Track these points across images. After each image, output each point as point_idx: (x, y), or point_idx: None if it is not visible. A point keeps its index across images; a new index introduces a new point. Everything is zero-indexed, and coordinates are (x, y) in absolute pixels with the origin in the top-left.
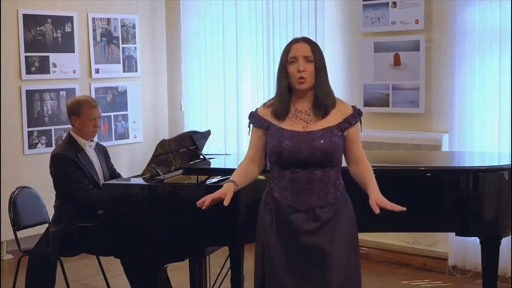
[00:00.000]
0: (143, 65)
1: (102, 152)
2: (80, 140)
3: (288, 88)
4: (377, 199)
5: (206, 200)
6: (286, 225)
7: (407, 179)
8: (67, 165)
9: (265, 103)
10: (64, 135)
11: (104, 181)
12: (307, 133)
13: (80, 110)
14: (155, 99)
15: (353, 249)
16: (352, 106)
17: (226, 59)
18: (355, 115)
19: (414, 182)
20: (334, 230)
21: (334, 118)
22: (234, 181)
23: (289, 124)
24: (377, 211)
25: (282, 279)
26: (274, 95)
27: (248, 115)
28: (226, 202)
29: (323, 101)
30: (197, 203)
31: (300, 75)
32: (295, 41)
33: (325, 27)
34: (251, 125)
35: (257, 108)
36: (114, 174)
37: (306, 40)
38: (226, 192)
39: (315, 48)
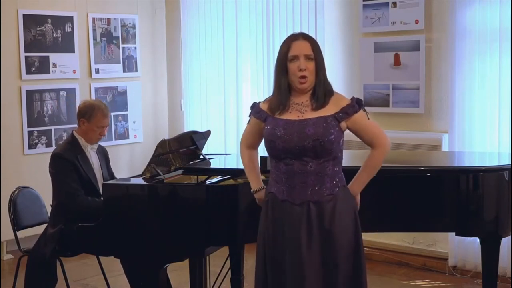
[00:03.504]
0: (143, 65)
1: (103, 154)
2: (83, 142)
3: (288, 86)
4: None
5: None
6: (283, 221)
7: (407, 179)
8: (64, 166)
9: (266, 99)
10: (64, 135)
11: None
12: (300, 121)
13: (91, 115)
14: (155, 99)
15: (354, 250)
16: (351, 98)
17: (226, 59)
18: (353, 105)
19: (414, 182)
20: (329, 229)
21: (329, 109)
22: (262, 187)
23: (285, 114)
24: None
25: (284, 278)
26: (272, 90)
27: (250, 105)
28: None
29: (321, 95)
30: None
31: (301, 73)
32: (294, 38)
33: (325, 27)
34: (251, 115)
35: (260, 101)
36: (112, 178)
37: (305, 37)
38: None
39: (314, 46)
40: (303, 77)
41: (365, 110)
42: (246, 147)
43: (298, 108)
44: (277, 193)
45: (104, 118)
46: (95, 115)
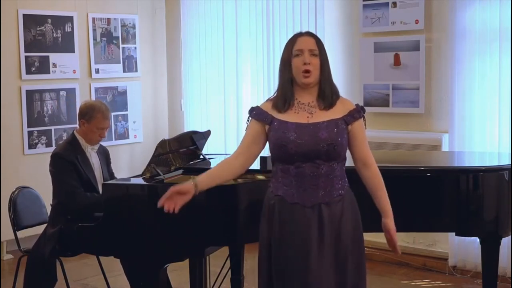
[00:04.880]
0: (143, 65)
1: (104, 155)
2: (83, 142)
3: (291, 82)
4: (391, 228)
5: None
6: (292, 224)
7: (407, 179)
8: (64, 166)
9: (268, 98)
10: (64, 135)
11: None
12: (311, 124)
13: (91, 116)
14: (155, 99)
15: (358, 249)
16: (356, 104)
17: (226, 59)
18: (359, 110)
19: (414, 182)
20: (339, 230)
21: (338, 112)
22: (195, 180)
23: (292, 117)
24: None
25: (291, 280)
26: (276, 89)
27: (248, 110)
28: (177, 208)
29: (328, 93)
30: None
31: (305, 67)
32: (299, 34)
33: (325, 27)
34: (251, 118)
35: (257, 105)
36: (112, 179)
37: (310, 34)
38: (179, 190)
39: (319, 42)
40: (307, 71)
41: (364, 120)
42: (235, 156)
43: (306, 109)
44: (285, 196)
45: (104, 120)
46: (95, 117)
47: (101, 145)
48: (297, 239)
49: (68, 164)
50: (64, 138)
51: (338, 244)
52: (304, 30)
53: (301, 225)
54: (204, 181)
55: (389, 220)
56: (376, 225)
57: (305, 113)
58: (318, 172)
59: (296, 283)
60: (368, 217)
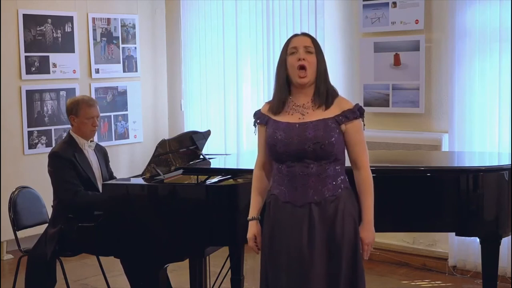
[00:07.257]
0: (143, 65)
1: (102, 153)
2: (80, 140)
3: (287, 82)
4: (366, 237)
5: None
6: (284, 223)
7: (407, 179)
8: (62, 164)
9: (266, 102)
10: (64, 135)
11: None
12: (300, 124)
13: (78, 109)
14: (155, 99)
15: (353, 252)
16: (355, 104)
17: (226, 59)
18: (355, 111)
19: (414, 182)
20: (332, 230)
21: (331, 112)
22: (254, 217)
23: (286, 117)
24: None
25: (283, 278)
26: (273, 90)
27: (252, 114)
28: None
29: (323, 92)
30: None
31: (300, 63)
32: (295, 35)
33: (325, 27)
34: (257, 123)
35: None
36: (111, 178)
37: (306, 34)
38: (256, 234)
39: (315, 42)
40: (302, 67)
41: (363, 121)
42: (259, 167)
43: (299, 110)
44: (279, 195)
45: (90, 108)
46: (81, 108)
47: (98, 144)
48: (288, 238)
49: (66, 162)
50: None
51: (332, 244)
52: (304, 31)
53: (292, 224)
54: (258, 210)
55: (364, 230)
56: (376, 225)
57: (298, 114)
58: (308, 172)
59: (287, 281)
60: None
